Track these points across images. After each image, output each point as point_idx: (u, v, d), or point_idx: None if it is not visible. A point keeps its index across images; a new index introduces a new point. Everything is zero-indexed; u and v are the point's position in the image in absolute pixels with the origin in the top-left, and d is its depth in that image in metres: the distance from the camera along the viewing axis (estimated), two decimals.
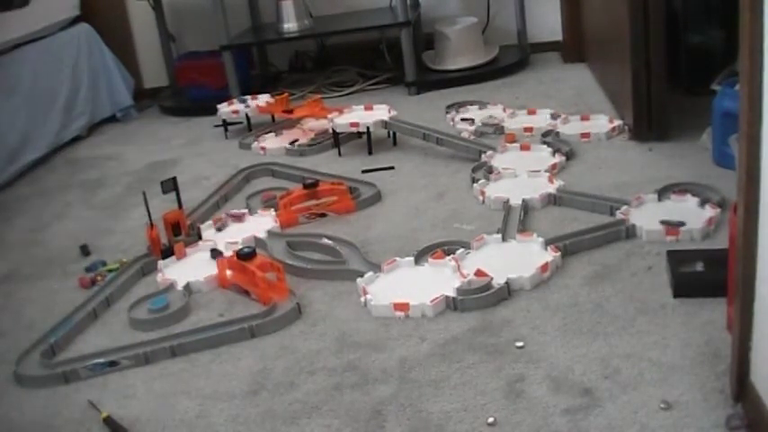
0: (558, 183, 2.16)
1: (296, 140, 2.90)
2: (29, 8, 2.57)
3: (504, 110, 2.90)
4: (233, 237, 2.12)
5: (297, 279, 1.89)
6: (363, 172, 2.54)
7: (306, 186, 2.30)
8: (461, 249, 1.88)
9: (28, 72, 3.16)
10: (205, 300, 1.89)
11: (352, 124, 2.70)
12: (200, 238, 2.16)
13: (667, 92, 2.39)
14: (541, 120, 2.74)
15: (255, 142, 2.95)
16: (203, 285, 1.92)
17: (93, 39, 3.65)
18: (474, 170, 2.36)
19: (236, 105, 3.16)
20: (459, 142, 2.58)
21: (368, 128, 2.68)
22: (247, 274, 1.85)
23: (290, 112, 3.04)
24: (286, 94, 3.14)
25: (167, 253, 2.07)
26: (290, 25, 3.60)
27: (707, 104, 2.21)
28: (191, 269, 2.00)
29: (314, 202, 2.28)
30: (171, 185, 2.11)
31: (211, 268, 1.96)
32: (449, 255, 1.87)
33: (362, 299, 1.75)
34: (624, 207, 1.94)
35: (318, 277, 1.90)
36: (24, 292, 2.09)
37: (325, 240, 2.04)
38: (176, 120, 3.60)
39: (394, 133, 2.76)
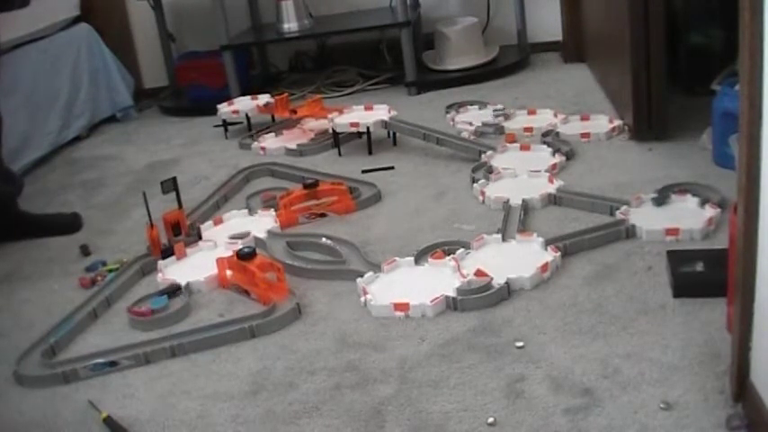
0: (558, 183, 2.16)
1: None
2: (29, 8, 2.56)
3: (505, 110, 2.91)
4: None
5: (297, 279, 1.89)
6: (363, 172, 2.54)
7: (306, 186, 2.30)
8: (461, 249, 1.88)
9: (28, 72, 3.15)
10: (205, 300, 1.89)
11: (352, 124, 2.70)
12: (200, 237, 2.16)
13: (667, 92, 2.39)
14: (542, 120, 2.74)
15: (255, 142, 2.95)
16: (203, 285, 1.92)
17: (93, 39, 3.65)
18: (474, 170, 2.36)
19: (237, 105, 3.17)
20: (459, 142, 2.58)
21: (368, 128, 2.68)
22: (247, 274, 1.85)
23: (295, 112, 3.04)
24: (286, 95, 3.14)
25: (167, 253, 2.07)
26: (290, 25, 3.60)
27: (707, 104, 2.21)
28: (191, 269, 2.00)
29: (314, 202, 2.28)
30: (171, 185, 2.11)
31: (211, 268, 1.96)
32: (449, 255, 1.87)
33: (362, 299, 1.75)
34: (624, 207, 1.94)
35: (318, 277, 1.90)
36: (24, 292, 2.09)
37: (325, 240, 2.04)
38: (176, 120, 3.60)
39: (394, 133, 2.76)
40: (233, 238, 2.10)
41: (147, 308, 1.83)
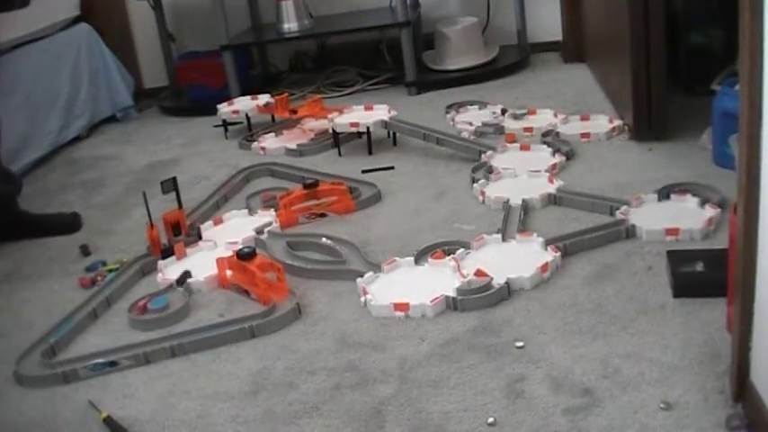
0: (558, 183, 2.16)
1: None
2: (29, 8, 2.57)
3: (504, 111, 2.91)
4: (233, 237, 2.12)
5: (297, 279, 1.89)
6: (363, 172, 2.54)
7: (306, 186, 2.30)
8: (461, 249, 1.88)
9: (28, 72, 3.15)
10: (205, 300, 1.89)
11: (352, 124, 2.70)
12: (200, 237, 2.16)
13: (667, 92, 2.39)
14: (541, 120, 2.74)
15: (255, 142, 2.95)
16: (203, 285, 1.92)
17: (93, 39, 3.65)
18: (474, 170, 2.36)
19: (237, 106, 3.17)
20: (459, 142, 2.58)
21: (368, 128, 2.68)
22: (247, 274, 1.85)
23: (295, 112, 3.04)
24: (286, 95, 3.14)
25: (167, 253, 2.07)
26: (290, 25, 3.60)
27: (707, 104, 2.21)
28: (191, 269, 2.00)
29: (314, 202, 2.28)
30: (171, 185, 2.11)
31: (211, 268, 1.96)
32: (449, 255, 1.87)
33: (362, 299, 1.75)
34: (624, 207, 1.94)
35: (318, 277, 1.90)
36: (24, 292, 2.09)
37: (325, 240, 2.04)
38: (176, 120, 3.60)
39: (394, 133, 2.76)
40: (257, 230, 2.15)
41: (143, 302, 1.84)
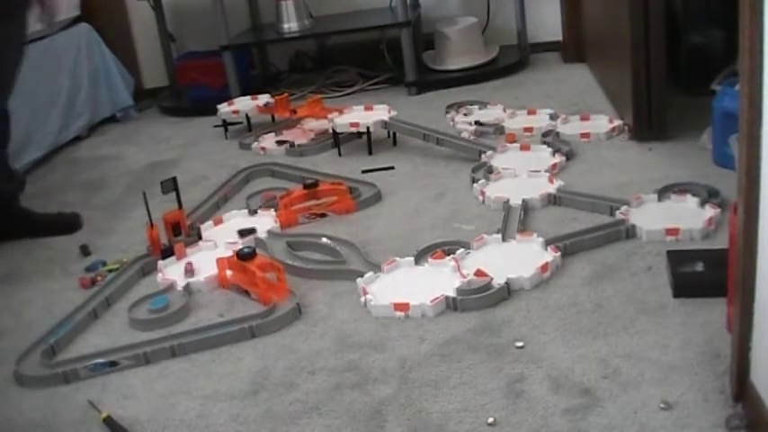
0: (558, 183, 2.16)
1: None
2: (28, 9, 2.57)
3: (504, 110, 2.91)
4: (233, 237, 2.13)
5: (297, 279, 1.89)
6: (363, 172, 2.54)
7: (306, 186, 2.30)
8: (461, 249, 1.88)
9: (28, 72, 3.14)
10: (205, 300, 1.89)
11: (352, 124, 2.70)
12: (200, 237, 2.16)
13: (667, 92, 2.39)
14: (541, 120, 2.74)
15: (255, 142, 2.95)
16: (203, 285, 1.92)
17: (93, 39, 3.65)
18: (474, 170, 2.36)
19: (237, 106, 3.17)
20: (459, 142, 2.58)
21: (368, 128, 2.67)
22: (247, 274, 1.85)
23: (295, 112, 3.03)
24: (286, 95, 3.14)
25: (167, 253, 2.07)
26: (290, 25, 3.60)
27: (707, 104, 2.21)
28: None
29: (314, 202, 2.28)
30: (171, 185, 2.11)
31: (211, 268, 1.95)
32: (449, 255, 1.87)
33: (362, 299, 1.75)
34: (624, 207, 1.94)
35: (318, 277, 1.90)
36: (24, 292, 2.09)
37: (326, 240, 2.04)
38: (176, 120, 3.60)
39: (394, 133, 2.76)
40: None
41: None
